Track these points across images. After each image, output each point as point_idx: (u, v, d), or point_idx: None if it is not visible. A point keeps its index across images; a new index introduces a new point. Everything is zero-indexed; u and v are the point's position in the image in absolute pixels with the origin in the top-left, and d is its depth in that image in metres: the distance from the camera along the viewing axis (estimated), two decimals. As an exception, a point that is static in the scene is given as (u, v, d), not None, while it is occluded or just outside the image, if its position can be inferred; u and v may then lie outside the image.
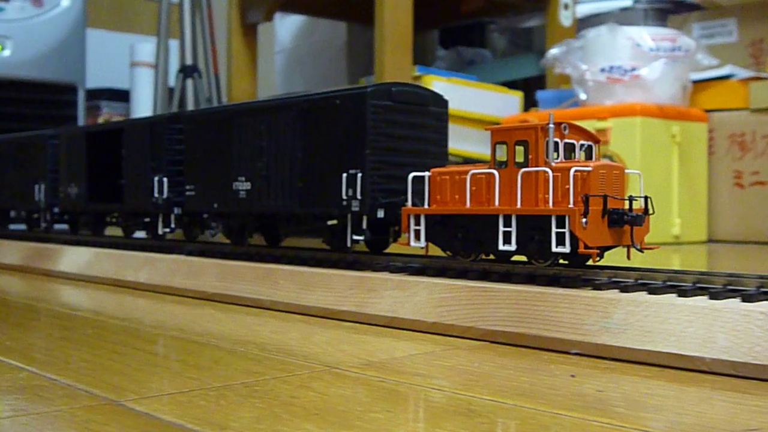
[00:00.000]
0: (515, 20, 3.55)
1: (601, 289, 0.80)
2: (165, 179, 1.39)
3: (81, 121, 3.40)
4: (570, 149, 0.89)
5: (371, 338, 0.85)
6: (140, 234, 1.61)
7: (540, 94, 2.77)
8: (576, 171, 0.83)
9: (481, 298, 0.85)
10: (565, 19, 3.06)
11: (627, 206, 0.85)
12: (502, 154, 0.90)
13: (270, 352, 0.77)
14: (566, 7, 3.07)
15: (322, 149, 1.11)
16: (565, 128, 0.88)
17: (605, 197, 0.83)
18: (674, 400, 0.61)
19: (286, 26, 3.73)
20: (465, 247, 0.95)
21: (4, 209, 2.05)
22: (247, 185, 1.22)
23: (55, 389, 0.62)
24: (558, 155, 0.88)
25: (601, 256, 0.87)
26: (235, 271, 1.13)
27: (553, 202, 0.85)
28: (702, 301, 0.73)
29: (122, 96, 3.89)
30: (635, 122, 2.26)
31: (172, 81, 3.26)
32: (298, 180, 1.14)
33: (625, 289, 0.79)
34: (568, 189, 0.84)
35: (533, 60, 3.22)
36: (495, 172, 0.90)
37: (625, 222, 0.84)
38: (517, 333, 0.80)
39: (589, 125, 2.34)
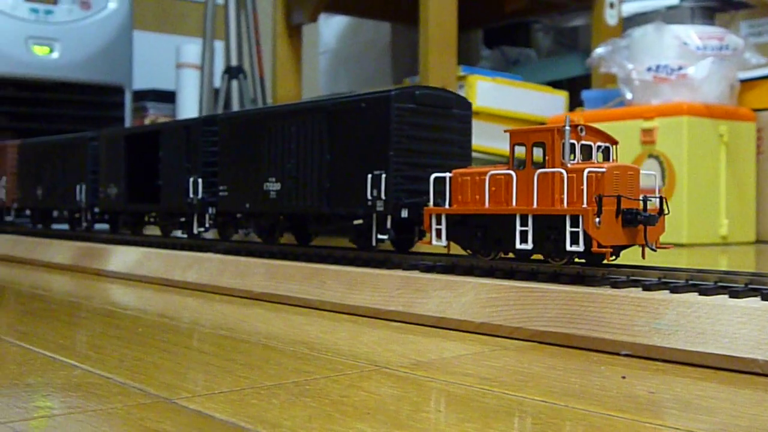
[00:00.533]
0: (560, 19, 3.54)
1: (651, 290, 0.80)
2: (200, 180, 1.43)
3: (128, 122, 3.44)
4: (587, 151, 0.91)
5: (419, 338, 0.85)
6: (175, 233, 1.64)
7: (585, 94, 2.75)
8: (590, 172, 0.86)
9: (529, 298, 0.85)
10: (611, 17, 3.04)
11: (641, 206, 0.87)
12: (520, 155, 0.93)
13: (319, 352, 0.77)
14: (612, 5, 3.04)
15: (349, 151, 1.15)
16: (581, 130, 0.90)
17: (619, 197, 0.85)
18: (727, 402, 0.60)
19: (331, 27, 3.75)
20: (484, 245, 0.97)
21: (47, 209, 2.09)
22: (277, 186, 1.26)
23: (109, 387, 0.63)
24: (575, 157, 0.90)
25: (617, 255, 0.90)
26: (283, 270, 1.14)
27: (568, 203, 0.87)
28: (755, 302, 0.72)
29: (168, 97, 3.93)
30: (682, 122, 2.23)
31: (217, 82, 3.29)
32: (325, 181, 1.18)
33: (675, 290, 0.78)
34: (582, 189, 0.86)
35: (578, 59, 3.20)
36: (513, 173, 0.92)
37: (639, 222, 0.86)
38: (566, 334, 0.80)
39: (635, 125, 2.33)
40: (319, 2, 3.03)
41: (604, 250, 0.85)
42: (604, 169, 0.86)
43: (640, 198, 0.88)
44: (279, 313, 1.03)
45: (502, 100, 2.73)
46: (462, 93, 2.62)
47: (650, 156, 2.29)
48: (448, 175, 1.00)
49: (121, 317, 1.03)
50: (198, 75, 3.43)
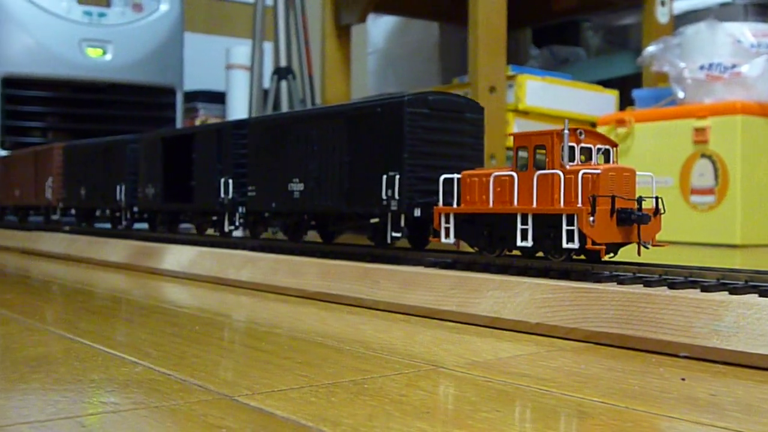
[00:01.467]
0: (610, 17, 3.51)
1: (710, 291, 0.79)
2: (230, 181, 1.50)
3: (179, 122, 3.48)
4: (587, 153, 0.96)
5: (474, 338, 0.85)
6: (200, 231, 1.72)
7: (636, 93, 2.72)
8: (585, 173, 0.91)
9: (585, 299, 0.84)
10: (662, 15, 3.01)
11: (636, 206, 0.92)
12: (522, 157, 0.98)
13: (375, 351, 0.77)
14: (663, 3, 3.01)
15: (366, 153, 1.21)
16: (581, 134, 0.96)
17: (613, 197, 0.90)
18: (791, 405, 0.59)
19: (379, 27, 3.75)
20: (490, 243, 1.03)
21: (90, 208, 2.16)
22: (301, 186, 1.33)
23: (170, 383, 0.64)
24: (575, 159, 0.95)
25: (615, 253, 0.96)
26: (337, 270, 1.14)
27: (565, 202, 0.92)
28: (817, 304, 0.71)
29: (218, 98, 3.96)
30: (736, 121, 2.21)
31: (266, 83, 3.31)
32: (344, 181, 1.24)
33: (734, 291, 0.78)
34: (578, 190, 0.91)
35: (629, 58, 3.18)
36: (514, 174, 0.98)
37: (633, 221, 0.90)
38: (623, 335, 0.80)
39: (687, 125, 2.30)
40: (368, 2, 3.04)
41: (598, 247, 0.90)
42: (599, 171, 0.91)
43: (635, 198, 0.92)
44: (333, 312, 1.04)
45: (552, 100, 2.72)
46: (511, 93, 2.61)
47: (703, 156, 2.27)
48: (456, 176, 1.06)
49: (178, 315, 1.04)
50: (247, 76, 3.45)
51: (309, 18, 3.31)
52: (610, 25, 3.54)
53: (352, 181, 1.23)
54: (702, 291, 0.80)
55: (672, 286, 0.82)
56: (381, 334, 0.88)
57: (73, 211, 2.28)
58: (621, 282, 0.86)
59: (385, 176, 1.16)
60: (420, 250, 1.21)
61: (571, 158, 0.95)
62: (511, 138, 1.02)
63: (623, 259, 0.96)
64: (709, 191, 2.27)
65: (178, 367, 0.70)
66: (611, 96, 2.88)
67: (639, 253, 0.94)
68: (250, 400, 0.59)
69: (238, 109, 3.71)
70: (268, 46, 3.34)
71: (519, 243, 0.97)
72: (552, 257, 0.96)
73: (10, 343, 0.82)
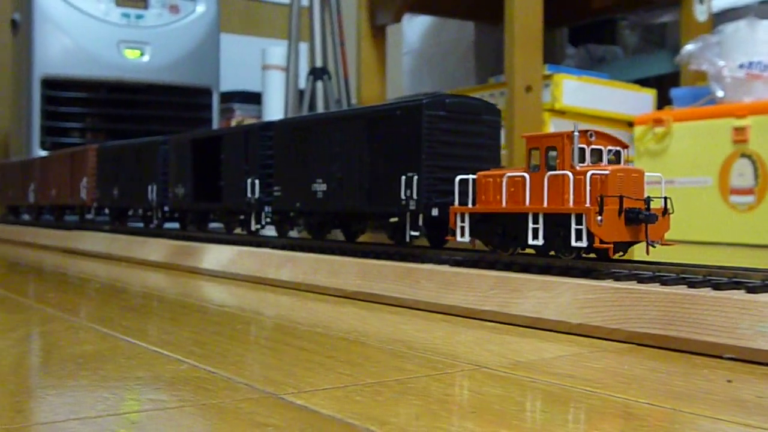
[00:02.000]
0: (647, 16, 3.48)
1: (755, 293, 0.78)
2: (257, 181, 1.55)
3: (215, 123, 3.50)
4: (598, 154, 0.99)
5: (516, 338, 0.85)
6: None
7: (674, 92, 2.70)
8: (593, 174, 0.94)
9: (627, 299, 0.84)
10: (701, 13, 2.98)
11: (644, 206, 0.94)
12: (535, 159, 1.01)
13: (417, 351, 0.78)
14: (701, 1, 2.98)
15: (385, 154, 1.25)
16: (591, 135, 0.98)
17: (621, 197, 0.93)
18: (841, 407, 0.59)
19: (414, 27, 3.75)
20: (503, 242, 1.06)
21: (123, 207, 2.22)
22: (324, 186, 1.37)
23: (216, 381, 0.64)
24: (585, 160, 0.97)
25: (624, 251, 0.98)
26: (377, 270, 1.15)
27: (574, 202, 0.95)
28: None
29: (254, 98, 3.99)
30: (777, 120, 2.18)
31: (302, 83, 3.32)
32: (365, 182, 1.28)
33: (780, 292, 0.77)
34: (587, 190, 0.94)
35: (667, 56, 3.15)
36: (526, 175, 1.01)
37: (640, 220, 0.93)
38: (666, 336, 0.79)
39: (726, 124, 2.28)
40: (403, 3, 3.04)
41: (605, 245, 0.92)
42: (607, 172, 0.93)
43: (643, 198, 0.95)
44: (373, 312, 1.04)
45: (589, 99, 2.70)
46: (548, 92, 2.60)
47: (742, 155, 2.25)
48: (471, 177, 1.09)
49: (219, 314, 1.05)
50: (283, 76, 3.47)
51: (344, 18, 3.32)
52: (648, 23, 3.52)
53: (372, 181, 1.27)
54: (747, 292, 0.79)
55: (716, 287, 0.82)
56: (422, 334, 0.88)
57: (106, 211, 2.33)
58: (664, 283, 0.86)
59: (403, 177, 1.19)
60: (439, 248, 1.24)
61: (582, 159, 0.97)
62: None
63: (665, 259, 0.96)
64: (748, 191, 2.25)
65: (223, 366, 0.71)
66: (649, 95, 2.86)
67: (647, 252, 0.96)
68: (296, 398, 0.59)
69: (274, 109, 3.73)
70: (303, 47, 3.35)
71: (530, 242, 1.00)
72: (562, 255, 0.99)
73: (57, 340, 0.83)
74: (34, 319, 0.98)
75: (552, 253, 1.01)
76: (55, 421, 0.53)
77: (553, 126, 2.60)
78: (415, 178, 1.17)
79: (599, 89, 2.75)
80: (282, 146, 1.50)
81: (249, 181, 1.57)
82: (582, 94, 2.68)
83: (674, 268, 0.90)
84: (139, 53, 3.39)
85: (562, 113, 2.63)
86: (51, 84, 3.32)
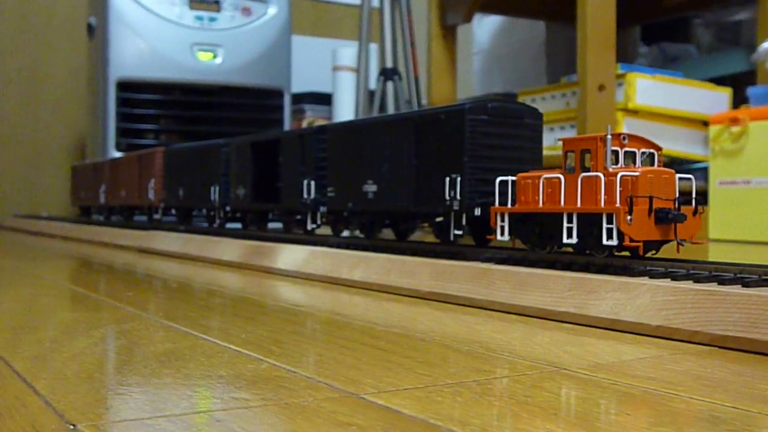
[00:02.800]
0: (722, 13, 3.42)
1: (843, 295, 0.76)
2: (312, 182, 1.63)
3: (287, 124, 3.54)
4: (631, 157, 1.03)
5: (594, 340, 0.84)
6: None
7: (751, 90, 2.64)
8: (623, 176, 0.98)
9: (709, 301, 0.83)
10: (778, 10, 2.91)
11: (674, 206, 0.99)
12: (571, 161, 1.06)
13: (495, 352, 0.77)
14: (780, -2, 2.91)
15: (431, 157, 1.30)
16: (624, 138, 1.02)
17: (651, 198, 0.97)
18: None
19: (485, 27, 3.74)
20: (541, 240, 1.11)
21: (187, 208, 2.31)
22: (374, 187, 1.44)
23: (297, 381, 0.65)
24: (618, 162, 1.02)
25: (657, 250, 1.03)
26: (450, 270, 1.15)
27: (605, 202, 1.00)
28: None
29: (325, 99, 4.01)
30: None
31: (372, 84, 3.33)
32: (412, 183, 1.35)
33: None
34: (617, 191, 0.98)
35: (742, 54, 3.09)
36: (561, 176, 1.05)
37: (670, 220, 0.97)
38: (750, 339, 0.78)
39: (806, 122, 2.22)
40: (474, 2, 3.04)
41: (635, 244, 0.97)
42: (638, 173, 0.98)
43: (674, 198, 0.99)
44: (447, 313, 1.04)
45: (663, 98, 2.66)
46: (621, 91, 2.57)
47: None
48: (511, 178, 1.15)
49: (296, 314, 1.06)
50: (354, 77, 3.48)
51: (415, 19, 3.32)
52: (722, 20, 3.45)
53: (418, 182, 1.33)
54: (835, 294, 0.77)
55: (802, 289, 0.80)
56: (499, 335, 0.88)
57: (173, 211, 2.42)
58: (746, 284, 0.84)
59: (447, 178, 1.25)
60: (482, 246, 1.28)
61: (615, 161, 1.01)
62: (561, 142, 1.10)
63: (748, 261, 0.94)
64: (830, 191, 2.19)
65: (302, 365, 0.71)
66: (724, 94, 2.81)
67: (678, 250, 1.02)
68: (377, 398, 0.59)
69: (345, 110, 3.75)
70: (374, 48, 3.37)
71: (565, 240, 1.05)
72: (596, 254, 1.03)
73: (138, 339, 0.85)
74: (115, 318, 1.00)
75: (587, 251, 1.05)
76: (142, 418, 0.54)
77: (626, 126, 2.57)
78: (459, 179, 1.23)
79: (673, 88, 2.71)
80: (335, 149, 1.57)
81: (305, 182, 1.65)
82: (655, 93, 2.64)
83: (756, 269, 0.89)
84: (212, 55, 3.44)
85: (635, 113, 2.59)
86: (126, 86, 3.38)
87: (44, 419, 0.54)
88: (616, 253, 1.02)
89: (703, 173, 2.66)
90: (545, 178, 1.08)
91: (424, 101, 3.25)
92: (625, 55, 3.25)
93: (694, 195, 1.02)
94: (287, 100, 3.56)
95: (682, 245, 1.00)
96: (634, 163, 1.03)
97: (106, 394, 0.61)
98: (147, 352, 0.78)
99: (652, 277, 0.93)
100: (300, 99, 3.98)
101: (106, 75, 3.37)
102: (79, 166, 3.59)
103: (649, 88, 2.62)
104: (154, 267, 1.75)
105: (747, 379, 0.67)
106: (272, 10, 3.56)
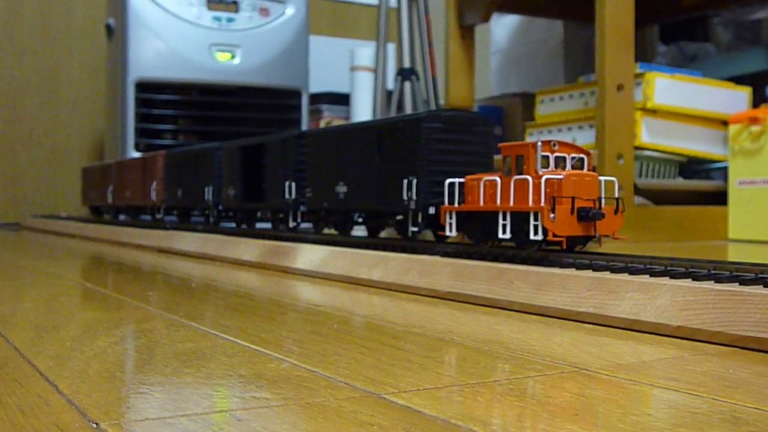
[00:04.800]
0: (741, 12, 3.40)
1: None
2: (293, 183, 1.79)
3: (305, 124, 3.54)
4: (562, 162, 1.15)
5: (614, 341, 0.84)
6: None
7: (771, 90, 2.63)
8: (548, 178, 1.10)
9: (730, 302, 0.82)
10: (799, 9, 2.89)
11: (596, 205, 1.11)
12: (507, 165, 1.18)
13: (515, 352, 0.77)
14: (800, -4, 2.90)
15: (392, 161, 1.45)
16: (554, 145, 1.14)
17: (573, 198, 1.08)
18: None
19: (502, 26, 3.73)
20: (483, 235, 1.25)
21: (185, 207, 2.49)
22: (345, 188, 1.60)
23: (317, 380, 0.65)
24: (548, 166, 1.14)
25: (582, 245, 1.16)
26: (469, 270, 1.15)
27: (533, 202, 1.12)
28: None
29: (342, 99, 4.01)
30: None
31: (390, 84, 3.34)
32: (376, 184, 1.49)
33: None
34: (543, 192, 1.10)
35: (762, 53, 3.07)
36: (498, 179, 1.18)
37: (590, 218, 1.09)
38: (772, 339, 0.77)
39: (827, 121, 2.21)
40: (492, 2, 3.03)
41: (557, 239, 1.09)
42: (562, 176, 1.10)
43: (595, 198, 1.11)
44: (466, 313, 1.04)
45: (682, 98, 2.65)
46: (639, 90, 2.56)
47: None
48: (459, 180, 1.27)
49: (315, 313, 1.06)
50: (371, 77, 3.49)
51: (432, 18, 3.32)
52: (741, 19, 3.43)
53: (381, 184, 1.47)
54: None
55: (824, 289, 0.80)
56: (518, 335, 0.88)
57: (175, 211, 2.57)
58: (767, 285, 0.84)
59: (405, 180, 1.40)
60: (440, 242, 1.42)
61: (546, 166, 1.13)
62: (500, 147, 1.21)
63: (764, 260, 0.94)
64: None
65: (322, 365, 0.71)
66: (744, 93, 2.79)
67: (600, 245, 1.15)
68: (397, 398, 0.59)
69: (362, 110, 3.75)
70: (391, 48, 3.37)
71: (500, 235, 1.17)
72: (526, 248, 1.16)
73: (159, 338, 0.85)
74: (135, 317, 1.01)
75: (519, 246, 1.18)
76: (163, 417, 0.55)
77: (644, 125, 2.56)
78: (415, 181, 1.37)
79: (692, 87, 2.69)
80: (313, 153, 1.73)
81: (287, 183, 1.81)
82: (674, 92, 2.63)
83: (777, 269, 0.88)
84: (230, 56, 3.45)
85: (654, 112, 2.58)
86: (145, 87, 3.40)
87: (67, 418, 0.54)
88: (544, 248, 1.15)
89: (722, 173, 2.65)
90: (485, 180, 1.21)
91: (441, 101, 3.25)
92: (643, 55, 3.24)
93: (616, 195, 1.13)
94: (305, 101, 3.57)
95: (599, 240, 1.12)
96: (564, 167, 1.14)
97: (128, 393, 0.62)
98: (168, 351, 0.78)
99: (672, 277, 0.93)
100: (318, 99, 3.99)
101: (124, 76, 3.39)
102: (89, 167, 3.66)
103: (667, 88, 2.61)
104: (174, 267, 1.75)
105: (769, 380, 0.67)
106: (290, 11, 3.57)
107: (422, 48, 3.26)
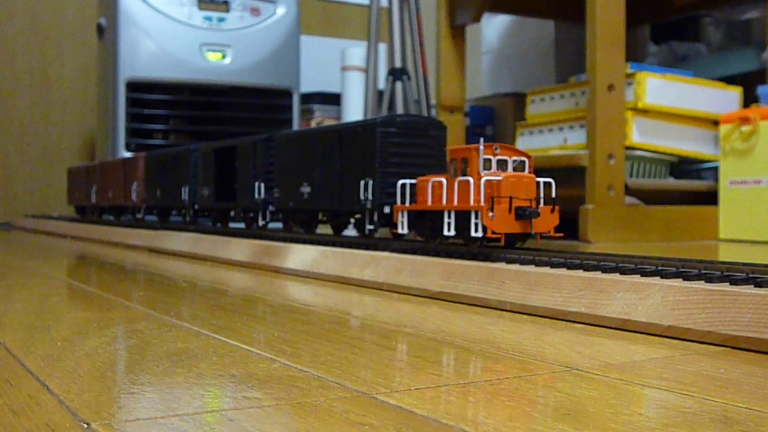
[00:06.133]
0: (732, 12, 3.41)
1: None
2: (262, 184, 1.88)
3: (296, 124, 3.54)
4: (503, 164, 1.22)
5: (605, 340, 0.84)
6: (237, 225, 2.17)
7: (761, 90, 2.64)
8: (487, 180, 1.18)
9: (721, 302, 0.82)
10: (789, 9, 2.90)
11: (533, 205, 1.18)
12: (453, 167, 1.26)
13: (506, 352, 0.77)
14: (790, -3, 2.91)
15: (351, 163, 1.53)
16: (496, 149, 1.22)
17: (510, 198, 1.16)
18: None
19: (493, 26, 3.74)
20: (432, 233, 1.32)
21: (164, 207, 2.57)
22: (308, 189, 1.69)
23: (308, 380, 0.65)
24: (491, 168, 1.21)
25: (523, 242, 1.27)
26: (461, 270, 1.15)
27: (474, 201, 1.20)
28: None
29: (334, 99, 4.01)
30: None
31: (381, 84, 3.34)
32: (337, 185, 1.58)
33: None
34: (483, 192, 1.18)
35: (752, 53, 3.08)
36: (444, 180, 1.27)
37: (526, 216, 1.16)
38: (762, 339, 0.77)
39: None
40: (483, 2, 3.03)
41: (495, 235, 1.16)
42: (500, 178, 1.18)
43: (532, 198, 1.18)
44: (458, 312, 1.04)
45: (673, 98, 2.66)
46: (630, 90, 2.56)
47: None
48: (410, 181, 1.36)
49: (306, 313, 1.06)
50: (363, 77, 3.49)
51: (423, 18, 3.32)
52: (732, 19, 3.44)
53: (341, 185, 1.56)
54: None
55: (814, 289, 0.80)
56: (509, 335, 0.88)
57: (155, 211, 2.66)
58: (758, 284, 0.84)
59: (363, 181, 1.48)
60: (400, 240, 1.48)
61: (488, 168, 1.21)
62: (449, 151, 1.29)
63: (759, 261, 0.94)
64: (841, 191, 2.18)
65: (314, 365, 0.71)
66: (734, 93, 2.80)
67: (538, 242, 1.24)
68: (389, 398, 0.59)
69: (354, 110, 3.75)
70: (383, 48, 3.37)
71: (445, 233, 1.25)
72: (468, 244, 1.24)
73: (150, 338, 0.85)
74: (126, 317, 1.01)
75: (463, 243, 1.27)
76: (155, 417, 0.55)
77: (635, 125, 2.56)
78: (371, 182, 1.46)
79: (683, 87, 2.70)
80: (280, 155, 1.83)
81: (256, 184, 1.90)
82: (665, 92, 2.63)
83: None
84: (220, 56, 3.44)
85: (645, 112, 2.59)
86: (135, 87, 3.39)
87: (58, 418, 0.54)
88: (485, 244, 1.23)
89: (713, 173, 2.66)
90: (433, 181, 1.29)
91: (433, 101, 3.25)
92: (634, 55, 3.24)
93: (553, 195, 1.21)
94: (296, 100, 3.57)
95: (534, 237, 1.20)
96: (506, 169, 1.21)
97: (119, 393, 0.61)
98: (159, 351, 0.78)
99: (663, 277, 0.93)
100: (309, 99, 3.98)
101: (115, 75, 3.38)
102: (74, 168, 3.72)
103: (658, 88, 2.61)
104: (165, 267, 1.75)
105: (760, 380, 0.67)
106: (281, 10, 3.56)
107: (413, 48, 3.26)
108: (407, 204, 1.36)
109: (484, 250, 1.22)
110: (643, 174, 2.64)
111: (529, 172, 1.22)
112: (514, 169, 1.22)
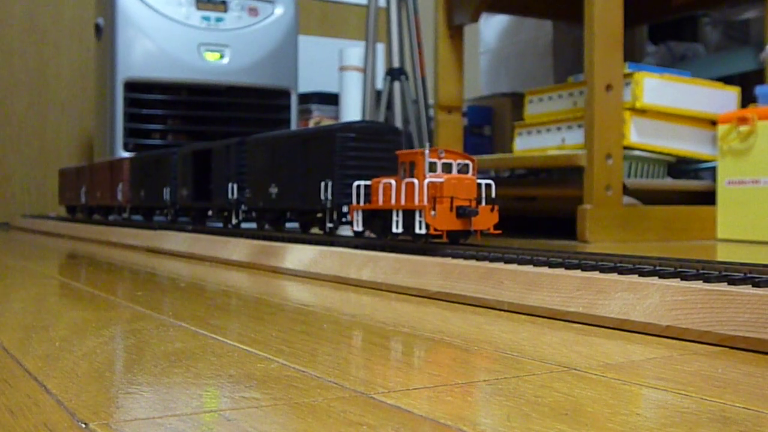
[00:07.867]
0: (730, 12, 3.41)
1: None
2: (235, 185, 2.00)
3: (294, 124, 3.54)
4: (448, 167, 1.32)
5: (603, 340, 0.84)
6: (216, 224, 2.34)
7: (759, 90, 2.64)
8: (430, 181, 1.28)
9: (719, 301, 0.82)
10: (787, 9, 2.90)
11: (474, 204, 1.28)
12: (403, 169, 1.35)
13: (504, 351, 0.77)
14: (788, -3, 2.91)
15: (313, 166, 1.67)
16: (441, 153, 1.32)
17: (452, 198, 1.26)
18: None
19: (492, 26, 3.74)
20: (383, 230, 1.43)
21: (147, 207, 2.68)
22: (276, 189, 1.82)
23: (307, 380, 0.65)
24: (436, 171, 1.30)
25: (465, 238, 1.35)
26: (459, 270, 1.15)
27: (418, 201, 1.30)
28: None
29: (332, 99, 4.01)
30: None
31: (379, 84, 3.34)
32: (301, 186, 1.70)
33: None
34: (427, 193, 1.28)
35: (750, 53, 3.08)
36: (393, 181, 1.37)
37: (466, 214, 1.26)
38: (760, 339, 0.77)
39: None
40: (481, 2, 3.03)
41: (437, 232, 1.27)
42: (443, 179, 1.28)
43: (472, 198, 1.28)
44: (456, 312, 1.04)
45: (671, 98, 2.66)
46: (628, 90, 2.56)
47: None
48: (365, 183, 1.47)
49: (304, 313, 1.06)
50: (361, 77, 3.49)
51: (421, 18, 3.32)
52: (730, 19, 3.44)
53: (305, 186, 1.69)
54: None
55: (812, 289, 0.80)
56: (507, 335, 0.88)
57: (140, 211, 2.75)
58: (756, 284, 0.84)
59: (323, 183, 1.61)
60: (360, 237, 1.55)
61: (434, 170, 1.30)
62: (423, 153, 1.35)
63: (757, 261, 0.94)
64: (838, 191, 2.19)
65: (312, 365, 0.71)
66: (732, 93, 2.80)
67: (478, 237, 1.32)
68: (386, 398, 0.59)
69: (352, 110, 3.75)
70: (381, 48, 3.37)
71: (394, 230, 1.36)
72: (414, 241, 1.35)
73: (148, 338, 0.85)
74: (124, 317, 1.01)
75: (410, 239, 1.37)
76: (153, 417, 0.55)
77: (633, 125, 2.56)
78: (330, 183, 1.58)
79: (681, 87, 2.70)
80: (251, 158, 1.95)
81: (230, 185, 2.02)
82: (663, 92, 2.63)
83: (766, 269, 0.89)
84: (219, 56, 3.44)
85: (643, 112, 2.59)
86: (133, 87, 3.39)
87: (56, 418, 0.54)
88: (431, 241, 1.34)
89: (711, 173, 2.66)
90: (384, 183, 1.39)
91: (431, 101, 3.25)
92: (632, 55, 3.25)
93: (493, 195, 1.31)
94: (294, 100, 3.56)
95: (474, 234, 1.30)
96: (450, 172, 1.30)
97: (117, 393, 0.61)
98: (157, 351, 0.78)
99: (661, 276, 0.93)
100: (307, 99, 3.98)
101: (113, 75, 3.38)
102: (65, 169, 3.80)
103: (656, 88, 2.61)
104: (163, 267, 1.75)
105: (758, 380, 0.67)
106: (279, 10, 3.56)
107: (411, 48, 3.26)
108: (362, 203, 1.46)
109: (481, 250, 1.22)
110: (641, 174, 2.64)
111: (473, 175, 1.32)
112: (459, 172, 1.31)
